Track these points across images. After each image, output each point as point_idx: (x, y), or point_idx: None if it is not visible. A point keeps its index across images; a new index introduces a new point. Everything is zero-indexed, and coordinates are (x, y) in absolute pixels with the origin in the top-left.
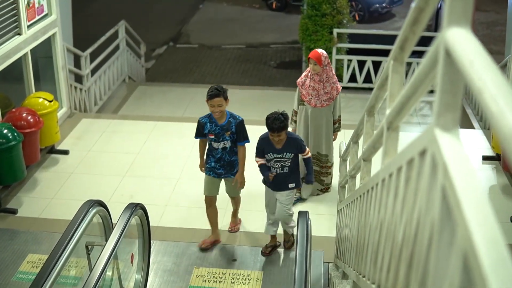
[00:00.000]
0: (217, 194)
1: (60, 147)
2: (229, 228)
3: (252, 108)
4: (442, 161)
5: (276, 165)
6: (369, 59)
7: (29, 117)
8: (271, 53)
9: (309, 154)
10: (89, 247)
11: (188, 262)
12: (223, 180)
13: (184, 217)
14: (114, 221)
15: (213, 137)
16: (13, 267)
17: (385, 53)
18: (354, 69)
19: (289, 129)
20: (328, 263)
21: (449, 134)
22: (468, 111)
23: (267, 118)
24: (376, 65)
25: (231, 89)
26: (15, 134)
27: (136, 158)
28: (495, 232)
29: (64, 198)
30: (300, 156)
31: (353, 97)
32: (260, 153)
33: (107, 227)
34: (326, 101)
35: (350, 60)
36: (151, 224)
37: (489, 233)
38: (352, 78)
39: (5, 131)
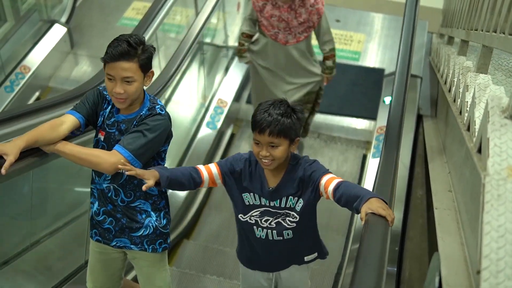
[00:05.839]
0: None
1: None
2: None
3: None
4: None
5: (265, 221)
6: None
7: None
8: None
9: (338, 180)
10: None
11: None
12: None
13: None
14: None
15: (102, 137)
16: (117, 13)
17: None
18: None
19: (242, 62)
20: (432, 33)
21: None
22: None
23: (258, 105)
24: None
25: None
26: None
27: None
28: None
29: None
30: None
31: None
32: (223, 170)
33: None
34: (304, 33)
35: None
36: None
37: None
38: None
39: None
